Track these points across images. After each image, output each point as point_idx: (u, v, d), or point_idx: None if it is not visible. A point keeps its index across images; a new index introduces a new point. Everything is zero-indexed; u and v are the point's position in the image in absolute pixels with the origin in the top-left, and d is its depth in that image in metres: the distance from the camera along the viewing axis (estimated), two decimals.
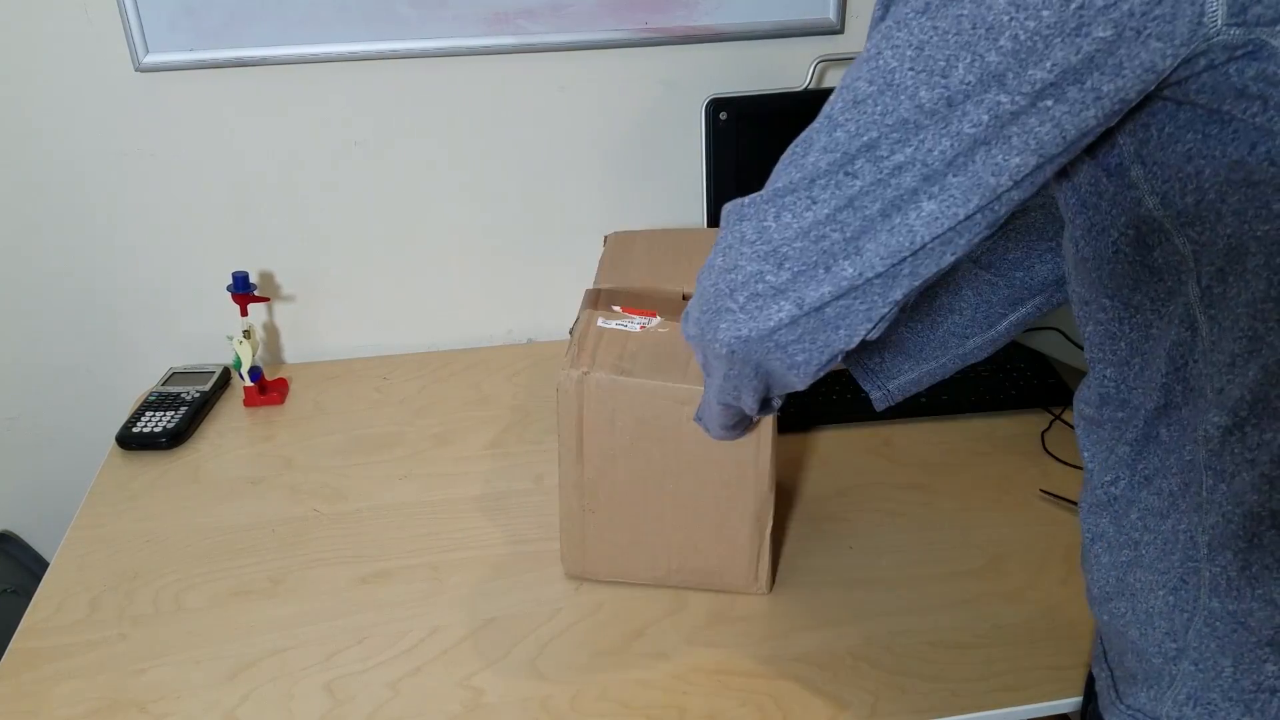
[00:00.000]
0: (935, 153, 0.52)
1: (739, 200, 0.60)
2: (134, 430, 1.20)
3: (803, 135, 0.57)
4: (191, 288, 1.33)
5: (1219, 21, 0.47)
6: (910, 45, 0.51)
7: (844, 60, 1.33)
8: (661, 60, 1.30)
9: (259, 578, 1.00)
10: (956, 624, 0.92)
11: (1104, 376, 0.63)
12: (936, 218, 0.53)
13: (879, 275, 0.56)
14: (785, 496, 1.09)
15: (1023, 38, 0.49)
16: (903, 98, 0.52)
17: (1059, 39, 0.48)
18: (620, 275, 1.08)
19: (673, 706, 0.84)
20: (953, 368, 0.95)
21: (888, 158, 0.53)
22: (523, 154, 1.33)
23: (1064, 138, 0.51)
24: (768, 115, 1.25)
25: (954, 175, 0.52)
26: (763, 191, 0.58)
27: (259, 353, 1.31)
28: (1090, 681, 0.75)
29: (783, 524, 1.05)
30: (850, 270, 0.56)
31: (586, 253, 1.39)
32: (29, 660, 0.90)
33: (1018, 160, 0.51)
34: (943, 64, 0.51)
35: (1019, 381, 1.25)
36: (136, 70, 1.19)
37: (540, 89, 1.30)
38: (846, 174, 0.54)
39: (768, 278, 0.57)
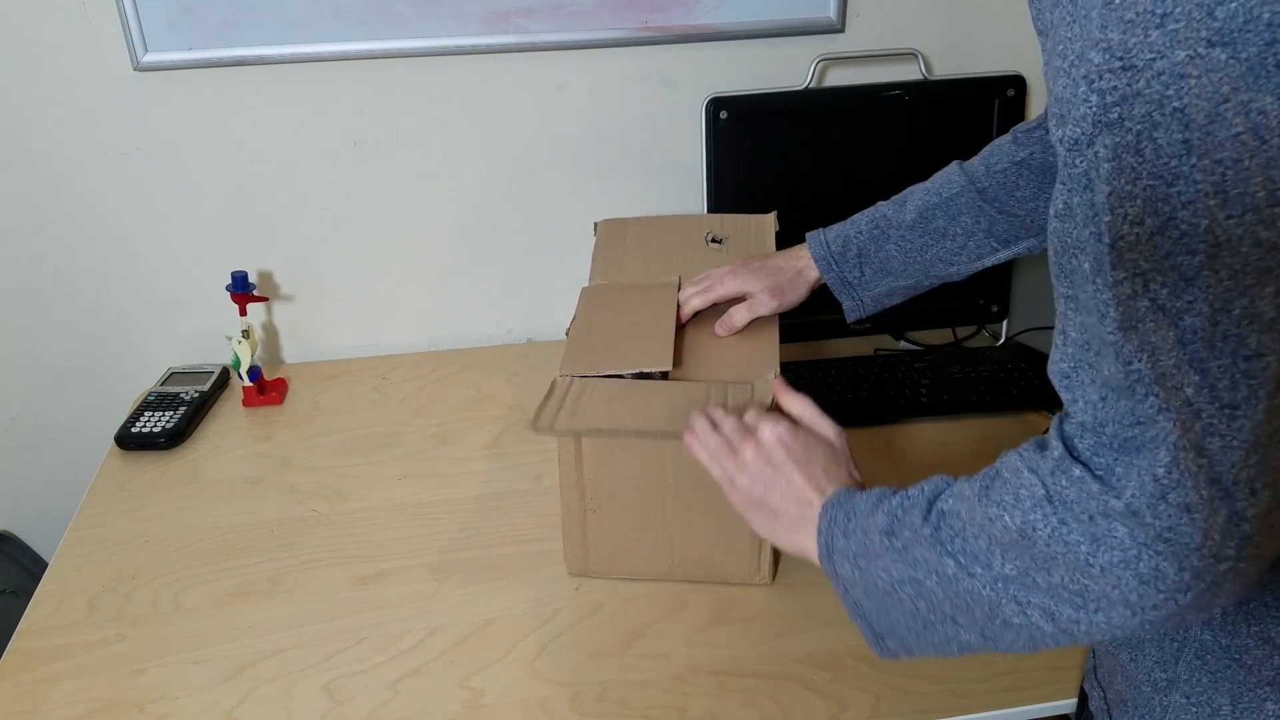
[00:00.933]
0: None
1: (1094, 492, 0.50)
2: (133, 430, 1.20)
3: (1117, 353, 0.48)
4: (190, 287, 1.33)
5: None
6: (1203, 194, 0.44)
7: (844, 59, 1.33)
8: (661, 59, 1.30)
9: (258, 578, 0.99)
10: None
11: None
12: None
13: None
14: None
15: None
16: (1243, 249, 0.44)
17: None
18: (615, 269, 1.08)
19: (673, 707, 0.84)
20: (926, 286, 0.98)
21: (1279, 317, 0.45)
22: (522, 153, 1.33)
23: None
24: (768, 114, 1.24)
25: None
26: (1147, 443, 0.48)
27: (258, 353, 1.31)
28: (1083, 696, 0.74)
29: None
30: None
31: (586, 253, 1.39)
32: (28, 660, 0.90)
33: None
34: (1262, 194, 0.44)
35: (1019, 381, 1.25)
36: (135, 69, 1.19)
37: (539, 88, 1.30)
38: (1247, 358, 0.46)
39: (1247, 514, 0.48)
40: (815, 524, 0.70)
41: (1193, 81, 0.43)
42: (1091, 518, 0.50)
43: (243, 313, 1.26)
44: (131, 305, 1.33)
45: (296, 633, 0.93)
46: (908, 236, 0.95)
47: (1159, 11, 0.43)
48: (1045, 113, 0.87)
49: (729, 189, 1.25)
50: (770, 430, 0.77)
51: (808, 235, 1.02)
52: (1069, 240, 0.49)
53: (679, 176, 1.37)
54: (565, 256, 1.39)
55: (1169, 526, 0.48)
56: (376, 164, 1.30)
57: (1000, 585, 0.56)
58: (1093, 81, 0.45)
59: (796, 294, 1.00)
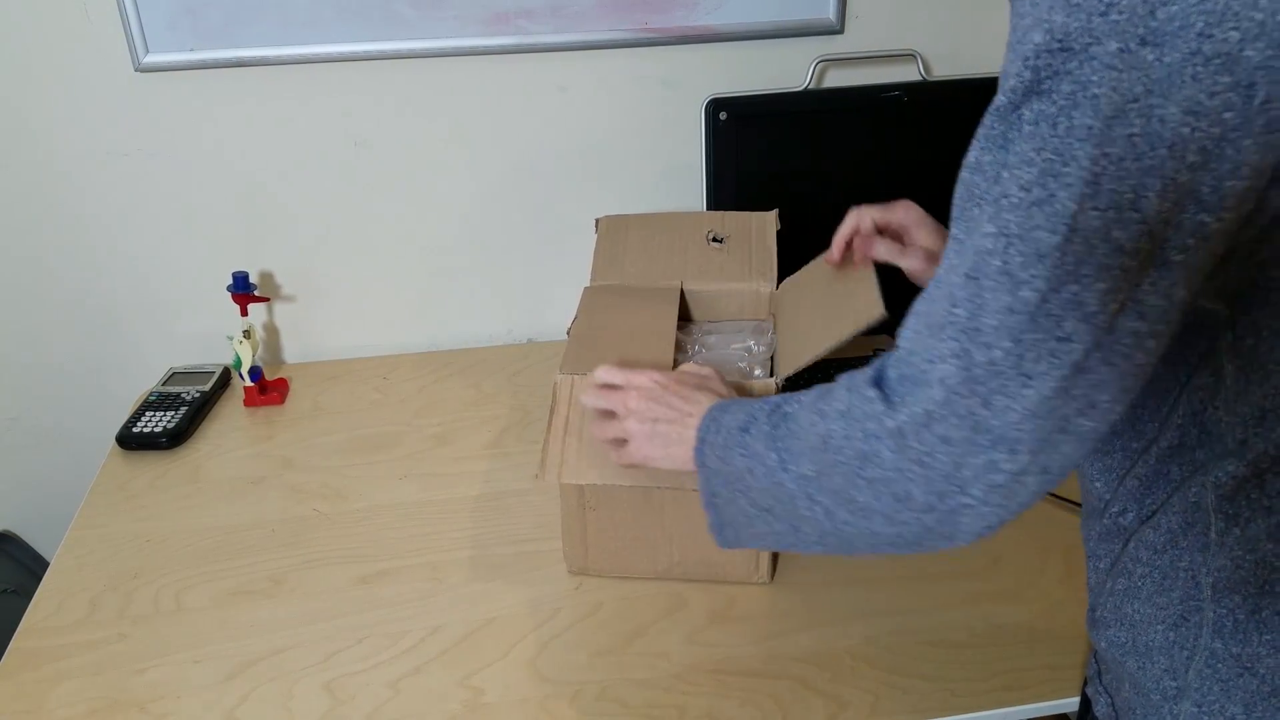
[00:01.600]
0: (1145, 288, 0.47)
1: (889, 405, 0.55)
2: (134, 430, 1.20)
3: (951, 294, 0.51)
4: (191, 288, 1.33)
5: None
6: (1083, 181, 0.46)
7: (843, 60, 1.33)
8: (661, 60, 1.30)
9: (259, 577, 1.00)
10: (956, 624, 0.92)
11: None
12: (1154, 336, 0.49)
13: (1117, 412, 0.52)
14: None
15: (1210, 148, 0.44)
16: (1094, 241, 0.46)
17: (1251, 144, 0.44)
18: (616, 267, 1.08)
19: (673, 706, 0.84)
20: None
21: (1099, 313, 0.48)
22: (522, 154, 1.33)
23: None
24: (768, 115, 1.25)
25: (1163, 296, 0.48)
26: (932, 380, 0.52)
27: (259, 353, 1.31)
28: (1086, 701, 0.74)
29: None
30: (1089, 424, 0.51)
31: (586, 253, 1.39)
32: (29, 660, 0.90)
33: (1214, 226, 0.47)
34: (1130, 196, 0.45)
35: None
36: (136, 70, 1.19)
37: (540, 89, 1.30)
38: (1059, 339, 0.49)
39: (1003, 466, 0.52)
40: (699, 427, 0.76)
41: (1115, 74, 0.44)
42: (867, 435, 0.57)
43: (244, 313, 1.26)
44: (133, 305, 1.33)
45: (297, 632, 0.93)
46: None
47: (1105, 0, 0.44)
48: None
49: (728, 190, 1.26)
50: (644, 376, 0.83)
51: None
52: (976, 192, 0.51)
53: (679, 177, 1.37)
54: (565, 256, 1.39)
55: (926, 452, 0.53)
56: (378, 165, 1.31)
57: (801, 482, 0.63)
58: (1028, 59, 0.47)
59: None
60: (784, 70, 1.32)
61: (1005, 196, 0.48)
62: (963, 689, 0.85)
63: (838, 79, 1.34)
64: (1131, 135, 0.44)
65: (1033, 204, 0.47)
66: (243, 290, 1.25)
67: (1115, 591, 0.65)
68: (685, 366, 0.87)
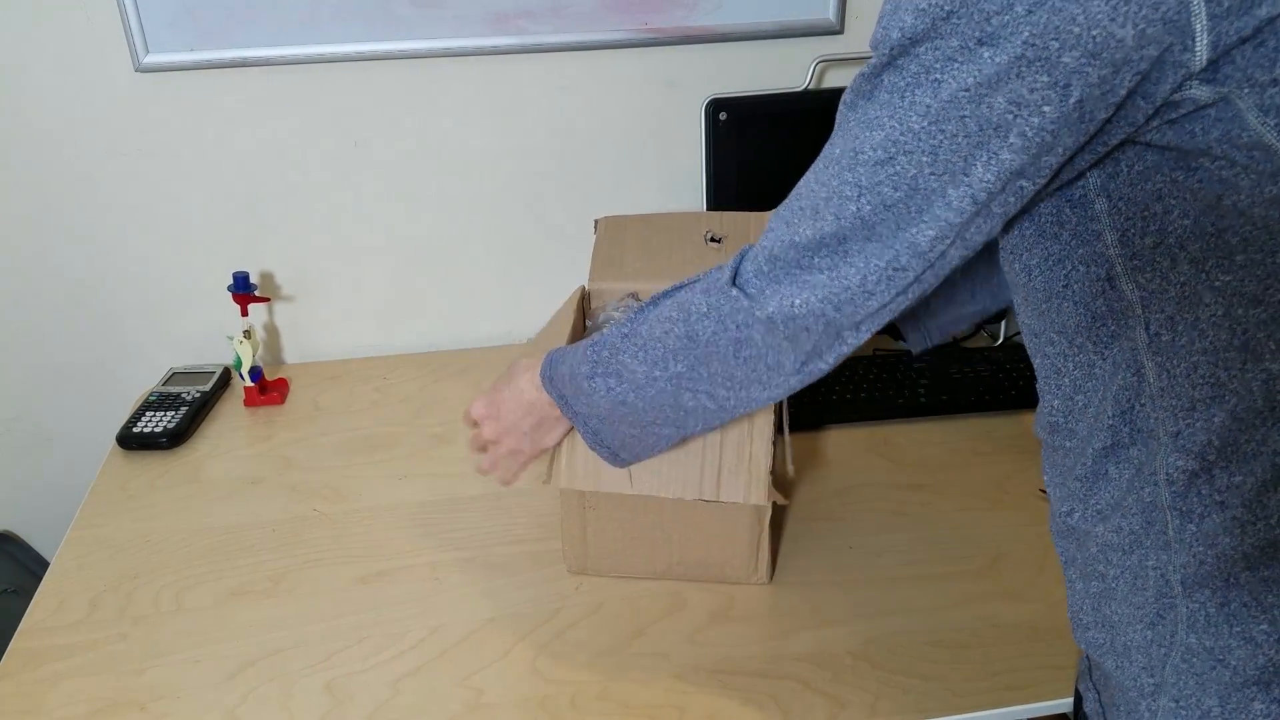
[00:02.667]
0: (971, 232, 0.58)
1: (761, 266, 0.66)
2: (134, 430, 1.20)
3: (815, 206, 0.62)
4: (192, 288, 1.33)
5: (1194, 72, 0.48)
6: (923, 150, 0.55)
7: (844, 60, 1.33)
8: (661, 60, 1.30)
9: (259, 577, 1.00)
10: (956, 624, 0.92)
11: (1052, 407, 0.64)
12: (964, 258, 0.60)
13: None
14: (785, 494, 1.09)
15: (1030, 134, 0.52)
16: (933, 197, 0.56)
17: (1066, 130, 0.52)
18: (615, 267, 1.08)
19: (673, 706, 0.84)
20: (995, 308, 0.96)
21: (929, 251, 0.59)
22: (522, 154, 1.33)
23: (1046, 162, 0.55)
24: (768, 115, 1.25)
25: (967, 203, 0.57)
26: (783, 247, 0.64)
27: (259, 353, 1.31)
28: (1079, 697, 0.74)
29: (781, 523, 1.05)
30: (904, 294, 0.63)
31: (586, 253, 1.39)
32: (29, 660, 0.90)
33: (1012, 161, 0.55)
34: (961, 164, 0.54)
35: (1019, 381, 1.25)
36: (136, 70, 1.19)
37: (540, 89, 1.30)
38: (895, 269, 0.60)
39: (849, 341, 0.67)
40: (550, 407, 0.86)
41: (955, 65, 0.52)
42: (739, 325, 0.68)
43: (244, 313, 1.26)
44: (133, 305, 1.33)
45: (297, 632, 0.93)
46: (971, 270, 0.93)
47: (948, 9, 0.51)
48: None
49: (729, 190, 1.26)
50: (473, 406, 0.91)
51: None
52: (842, 121, 0.60)
53: (679, 177, 1.37)
54: (565, 257, 1.39)
55: (790, 335, 0.66)
56: (377, 164, 1.31)
57: (676, 380, 0.74)
58: (889, 38, 0.54)
59: None
60: (784, 70, 1.32)
61: (859, 152, 0.57)
62: (963, 689, 0.85)
63: (838, 79, 1.34)
64: (963, 116, 0.53)
65: (878, 163, 0.57)
66: (243, 290, 1.25)
67: (1091, 594, 0.65)
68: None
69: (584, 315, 1.06)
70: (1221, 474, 0.56)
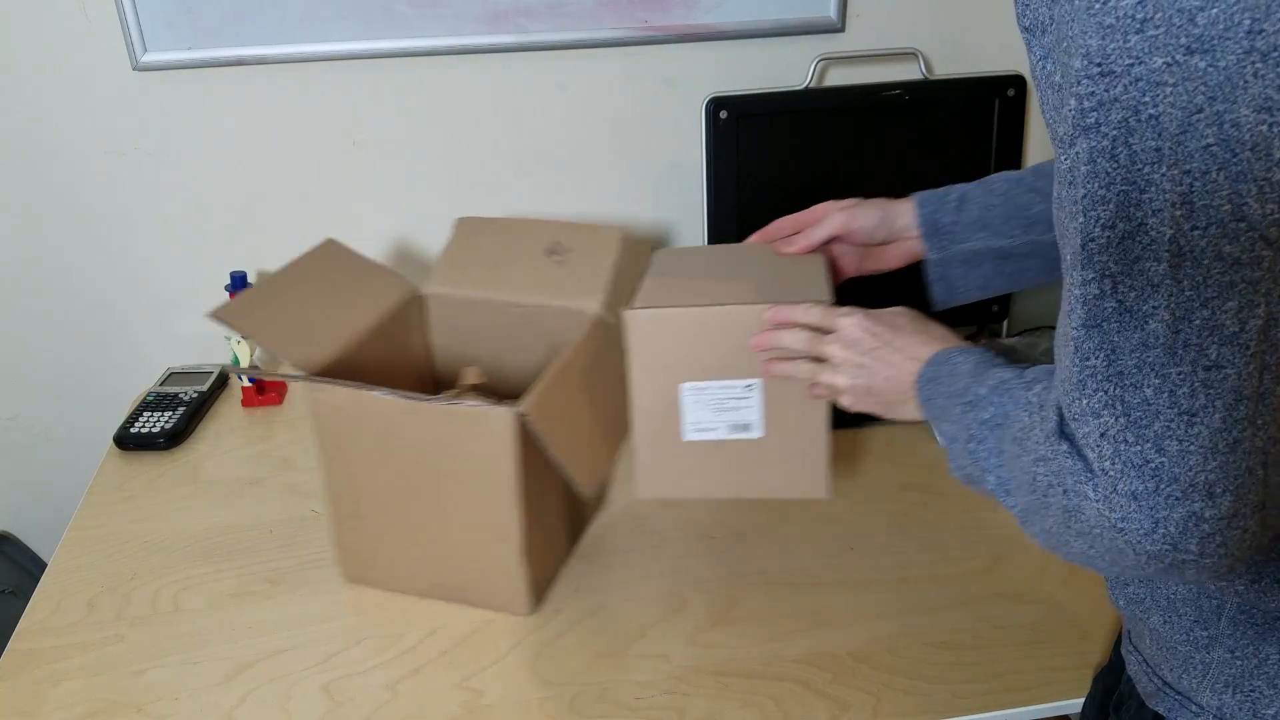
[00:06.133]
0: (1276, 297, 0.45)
1: (1070, 462, 0.52)
2: (132, 430, 1.20)
3: (1077, 349, 0.49)
4: (190, 287, 1.33)
5: None
6: (1170, 204, 0.44)
7: (844, 59, 1.33)
8: (661, 59, 1.30)
9: (257, 578, 0.99)
10: (957, 625, 0.92)
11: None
12: None
13: None
14: None
15: None
16: (1205, 261, 0.45)
17: None
18: (458, 274, 1.05)
19: (673, 708, 0.84)
20: (1023, 251, 0.88)
21: (1240, 332, 0.45)
22: (522, 153, 1.33)
23: None
24: (768, 114, 1.24)
25: None
26: (1093, 435, 0.50)
27: (257, 353, 1.31)
28: (1103, 673, 0.73)
29: (781, 524, 1.05)
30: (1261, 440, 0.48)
31: None
32: (27, 661, 0.90)
33: None
34: (1228, 208, 0.44)
35: None
36: (134, 69, 1.19)
37: (540, 88, 1.29)
38: (1206, 368, 0.46)
39: (1207, 515, 0.48)
40: (917, 396, 0.74)
41: (1168, 89, 0.43)
42: (1068, 491, 0.53)
43: None
44: (131, 305, 1.33)
45: (295, 633, 0.92)
46: (1014, 189, 0.87)
47: (1139, 16, 0.43)
48: None
49: (729, 189, 1.25)
50: (849, 322, 0.78)
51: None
52: (1061, 229, 0.50)
53: (679, 176, 1.37)
54: None
55: (1122, 517, 0.49)
56: (376, 164, 1.30)
57: (1023, 512, 0.60)
58: (1072, 86, 0.46)
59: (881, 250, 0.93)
60: (785, 69, 1.31)
61: (1091, 240, 0.47)
62: (964, 690, 0.85)
63: (839, 77, 1.34)
64: (1208, 146, 0.43)
65: (1124, 238, 0.46)
66: (241, 289, 1.25)
67: None
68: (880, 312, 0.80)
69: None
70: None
